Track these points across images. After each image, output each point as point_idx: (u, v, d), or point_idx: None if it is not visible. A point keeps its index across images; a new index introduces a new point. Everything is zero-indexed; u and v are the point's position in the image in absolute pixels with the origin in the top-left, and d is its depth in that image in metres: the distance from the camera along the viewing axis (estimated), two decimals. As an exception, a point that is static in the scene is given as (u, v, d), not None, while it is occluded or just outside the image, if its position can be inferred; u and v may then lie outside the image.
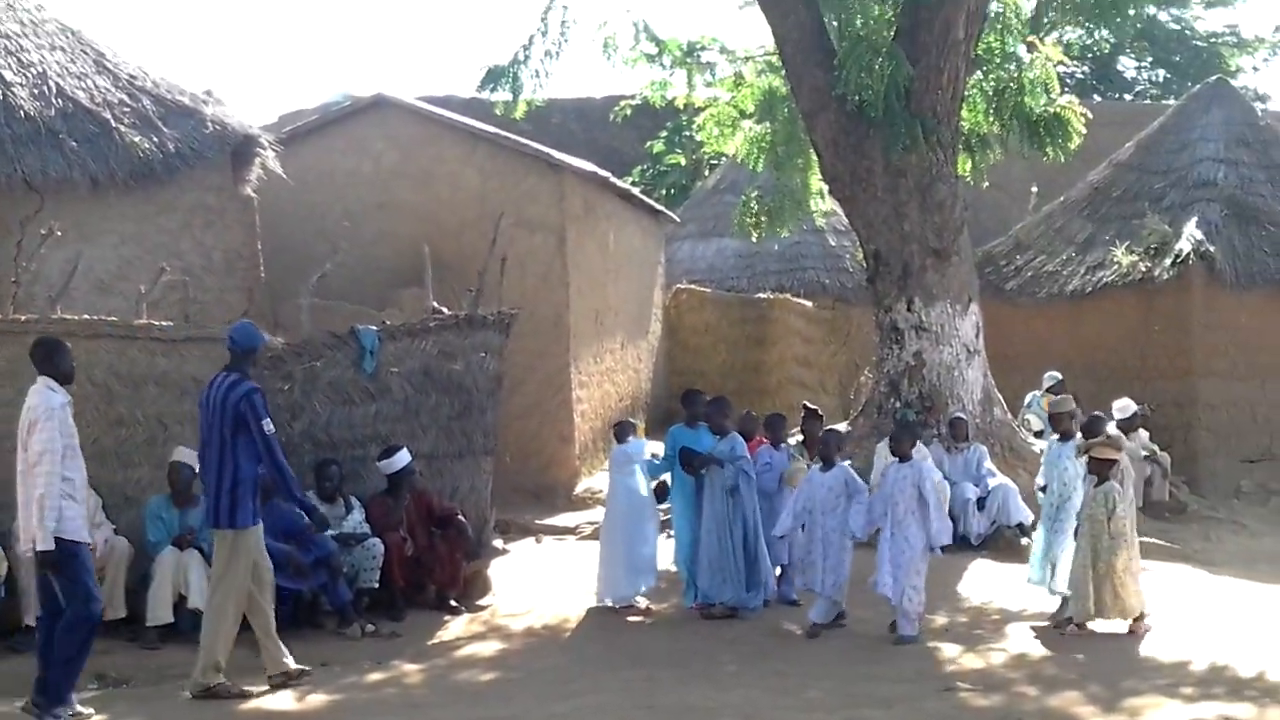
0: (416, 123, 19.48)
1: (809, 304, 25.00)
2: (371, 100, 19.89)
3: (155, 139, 15.16)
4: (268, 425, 9.35)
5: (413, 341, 12.87)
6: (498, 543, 14.65)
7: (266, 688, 9.42)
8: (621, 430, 12.97)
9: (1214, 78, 24.74)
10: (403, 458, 12.04)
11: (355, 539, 11.78)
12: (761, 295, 25.01)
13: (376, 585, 11.89)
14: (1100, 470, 11.07)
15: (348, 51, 77.57)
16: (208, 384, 9.60)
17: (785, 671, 10.04)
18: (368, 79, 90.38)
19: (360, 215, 18.65)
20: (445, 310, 13.48)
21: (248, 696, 9.24)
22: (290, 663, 9.58)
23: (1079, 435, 11.81)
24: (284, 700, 9.35)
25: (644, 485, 12.50)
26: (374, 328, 12.61)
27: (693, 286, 25.41)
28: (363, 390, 12.46)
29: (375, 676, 10.17)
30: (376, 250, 18.40)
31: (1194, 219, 19.77)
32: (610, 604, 12.34)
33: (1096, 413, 15.32)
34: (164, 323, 12.18)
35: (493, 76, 17.08)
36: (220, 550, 9.43)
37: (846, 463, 11.76)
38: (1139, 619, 11.14)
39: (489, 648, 11.25)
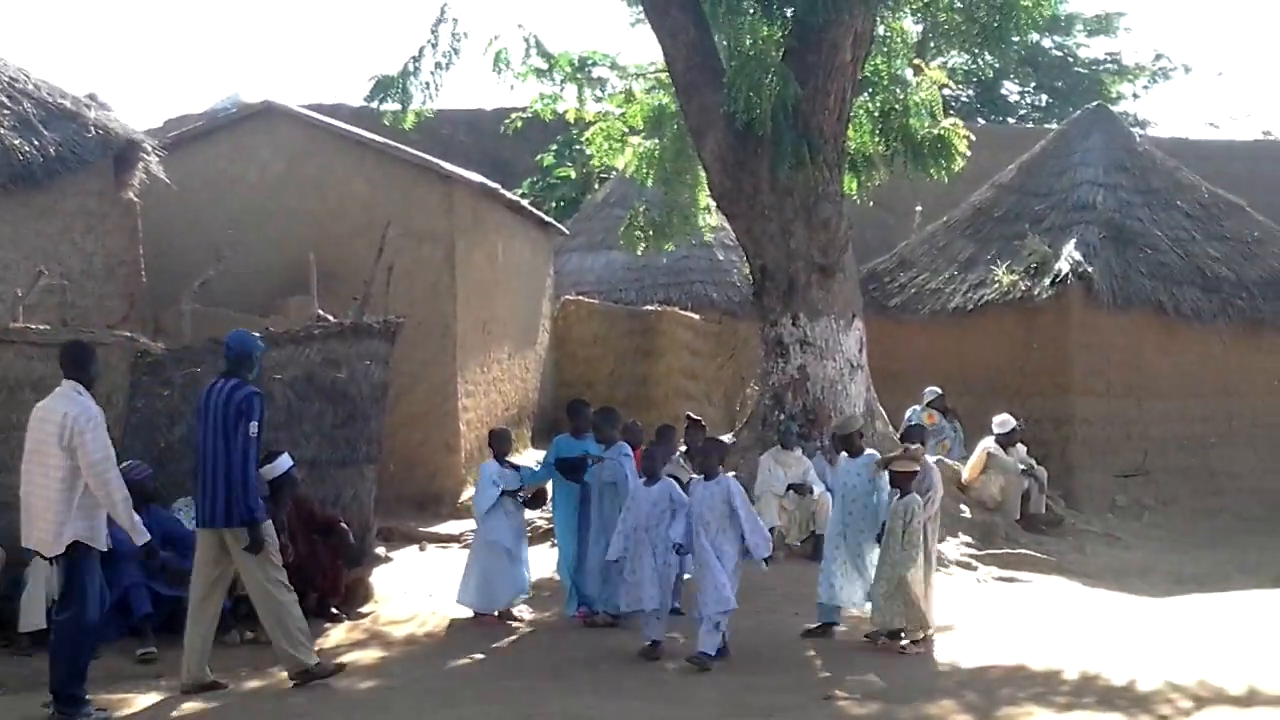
0: (304, 131, 19.36)
1: (696, 317, 25.17)
2: (259, 107, 19.75)
3: (36, 142, 14.94)
4: (254, 428, 9.60)
5: (296, 348, 12.79)
6: (380, 550, 14.60)
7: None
8: (499, 441, 12.95)
9: (1094, 104, 25.28)
10: (284, 463, 11.78)
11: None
12: (649, 308, 25.14)
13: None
14: (901, 483, 11.18)
15: (238, 58, 76.76)
16: (206, 390, 9.86)
17: (666, 680, 10.11)
18: (258, 86, 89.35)
19: (246, 222, 18.49)
20: (330, 318, 13.42)
21: (343, 669, 10.02)
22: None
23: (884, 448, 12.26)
24: (159, 709, 9.28)
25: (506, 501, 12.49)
26: (257, 334, 12.47)
27: (581, 298, 25.48)
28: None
29: (253, 684, 10.10)
30: (262, 258, 18.24)
31: (1073, 240, 20.12)
32: (483, 612, 12.34)
33: (913, 422, 15.66)
34: (41, 327, 11.98)
35: (381, 87, 16.98)
36: (236, 548, 9.63)
37: (730, 474, 11.58)
38: (915, 640, 11.10)
39: (369, 655, 11.22)
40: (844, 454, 12.18)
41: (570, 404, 13.69)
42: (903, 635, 11.05)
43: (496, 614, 12.35)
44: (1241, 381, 20.35)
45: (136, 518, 9.00)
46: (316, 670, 9.75)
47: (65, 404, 8.82)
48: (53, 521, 8.73)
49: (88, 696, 8.92)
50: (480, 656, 11.17)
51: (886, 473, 11.43)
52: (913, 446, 11.86)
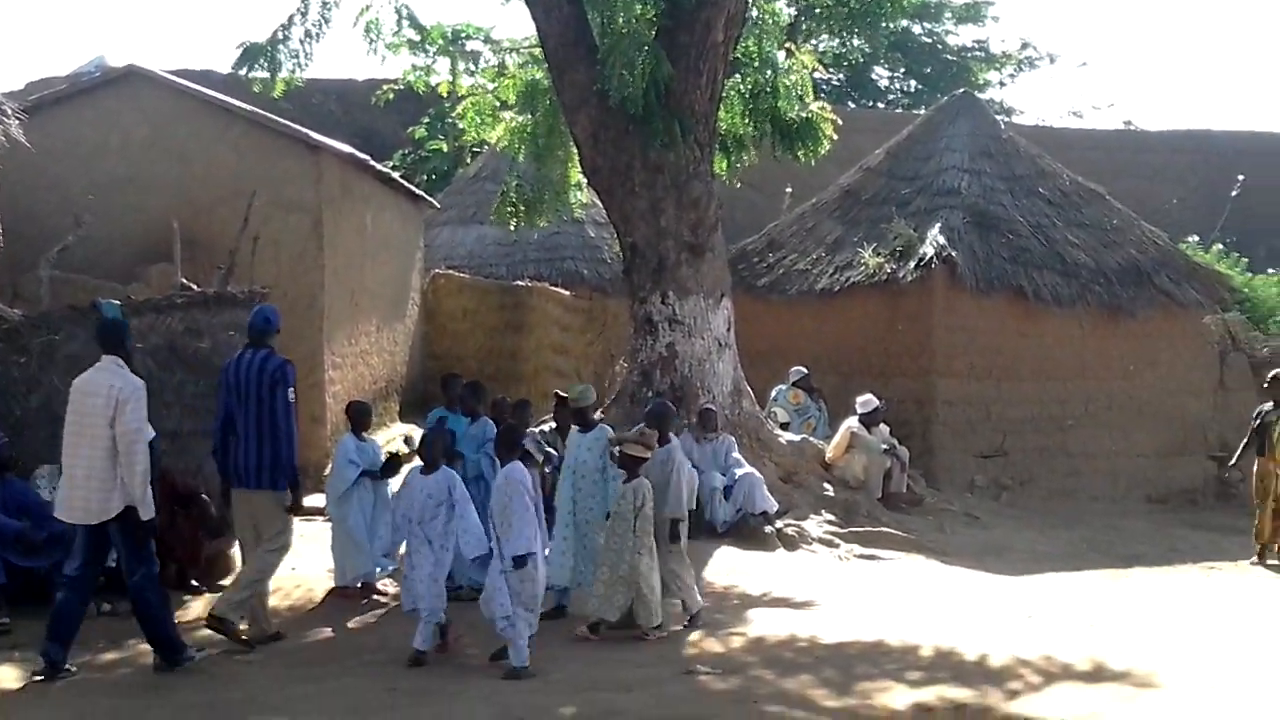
0: (170, 97, 18.96)
1: (567, 293, 25.20)
2: (123, 71, 19.30)
3: (-112, 103, 14.51)
4: (291, 395, 10.27)
5: (158, 317, 12.63)
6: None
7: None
8: (359, 415, 12.81)
9: (960, 90, 25.50)
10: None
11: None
12: (520, 283, 25.10)
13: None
14: (630, 467, 10.58)
15: (105, 21, 75.00)
16: (234, 361, 10.46)
17: (530, 655, 10.14)
18: (125, 50, 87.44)
19: (108, 188, 18.08)
20: (194, 287, 13.24)
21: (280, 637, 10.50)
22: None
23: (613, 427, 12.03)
24: (13, 680, 9.12)
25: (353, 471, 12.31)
26: (117, 302, 12.25)
27: (451, 272, 25.36)
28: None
29: (111, 656, 9.97)
30: (124, 225, 17.86)
31: (938, 225, 20.28)
32: (351, 584, 12.25)
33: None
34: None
35: (250, 55, 16.67)
36: (263, 510, 10.32)
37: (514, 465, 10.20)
38: (656, 628, 10.62)
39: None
40: (575, 428, 11.75)
41: (444, 377, 13.68)
42: (643, 628, 10.53)
43: (360, 586, 12.26)
44: (1098, 365, 20.75)
45: (149, 493, 9.25)
46: (271, 637, 10.41)
47: (110, 377, 9.22)
48: (98, 490, 9.07)
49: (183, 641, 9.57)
50: (343, 630, 11.11)
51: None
52: (649, 431, 11.30)
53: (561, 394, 14.99)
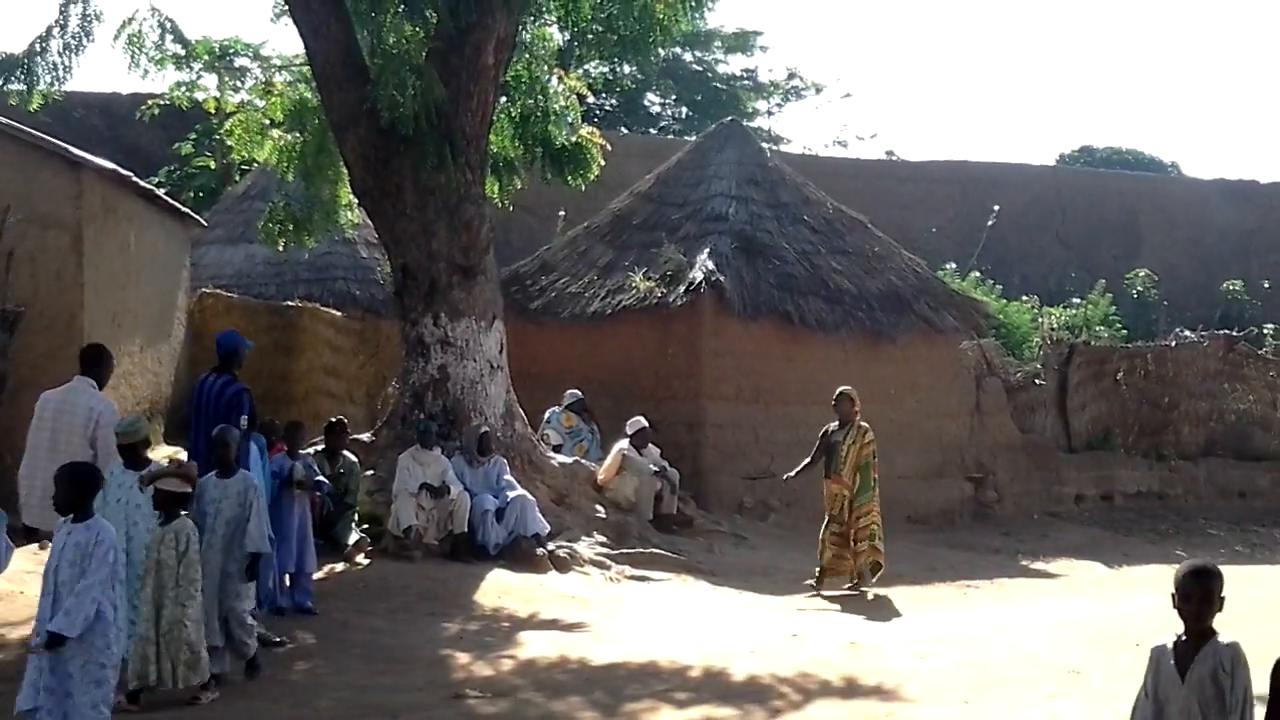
0: (-82, 107, 18.20)
1: (338, 314, 24.83)
2: None
3: None
4: (244, 422, 10.87)
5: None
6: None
7: None
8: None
9: (728, 118, 25.82)
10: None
11: None
12: (290, 304, 24.68)
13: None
14: (167, 506, 9.12)
15: None
16: (199, 384, 11.35)
17: (296, 681, 10.01)
18: None
19: None
20: (-56, 306, 12.73)
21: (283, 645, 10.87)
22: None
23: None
24: None
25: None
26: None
27: (219, 292, 24.79)
28: None
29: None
30: None
31: (706, 250, 20.50)
32: None
33: (551, 424, 15.84)
34: None
35: (5, 67, 16.14)
36: None
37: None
38: (205, 687, 9.20)
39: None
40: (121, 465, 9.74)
41: None
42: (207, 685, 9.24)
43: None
44: (860, 389, 21.09)
45: None
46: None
47: (86, 398, 10.08)
48: None
49: None
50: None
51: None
52: (188, 462, 10.49)
53: (334, 421, 14.87)
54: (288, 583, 12.32)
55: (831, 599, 14.99)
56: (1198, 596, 5.49)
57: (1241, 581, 17.19)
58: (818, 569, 15.64)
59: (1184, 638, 5.55)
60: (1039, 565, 18.57)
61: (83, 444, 9.85)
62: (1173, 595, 5.55)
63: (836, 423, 15.86)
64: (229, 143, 20.05)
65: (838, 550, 15.52)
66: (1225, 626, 5.52)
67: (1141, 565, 18.92)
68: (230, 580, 9.78)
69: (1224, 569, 5.69)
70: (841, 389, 15.96)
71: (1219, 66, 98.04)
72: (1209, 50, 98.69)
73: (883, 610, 14.52)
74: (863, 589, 15.37)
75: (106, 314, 18.51)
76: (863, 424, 15.75)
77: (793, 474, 16.83)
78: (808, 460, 16.27)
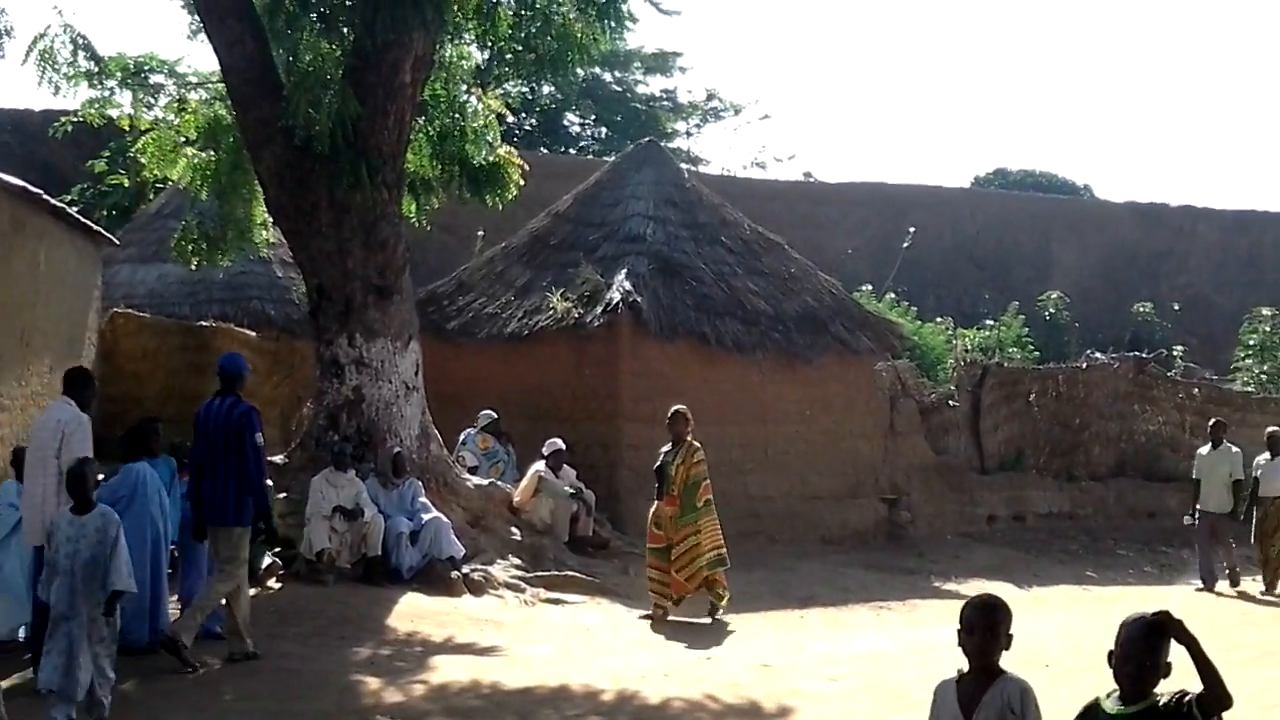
0: None
1: (253, 334, 24.60)
2: None
3: None
4: (260, 439, 11.27)
5: None
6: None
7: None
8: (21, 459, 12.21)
9: (646, 139, 25.85)
10: None
11: None
12: (204, 323, 24.43)
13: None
14: None
15: None
16: (204, 408, 11.57)
17: (203, 707, 9.88)
18: None
19: None
20: None
21: (257, 658, 11.20)
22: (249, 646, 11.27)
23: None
24: None
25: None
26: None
27: (131, 311, 24.50)
28: None
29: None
30: None
31: (624, 271, 20.51)
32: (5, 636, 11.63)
33: (396, 450, 15.71)
34: None
35: (-88, 82, 15.88)
36: (226, 542, 11.24)
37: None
38: None
39: None
40: None
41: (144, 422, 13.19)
42: None
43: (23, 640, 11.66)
44: (776, 410, 21.29)
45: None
46: (250, 655, 11.18)
47: (58, 412, 10.42)
48: (49, 515, 9.76)
49: None
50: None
51: None
52: None
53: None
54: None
55: (719, 627, 14.76)
56: (981, 629, 5.19)
57: (1137, 604, 17.47)
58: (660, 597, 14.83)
59: (967, 674, 5.23)
60: (951, 586, 18.71)
61: (53, 458, 10.13)
62: (958, 630, 5.25)
63: (670, 444, 15.13)
64: (142, 160, 19.78)
65: (662, 574, 14.81)
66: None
67: (1052, 586, 19.14)
68: (96, 625, 9.03)
69: (1131, 590, 5.68)
70: (675, 408, 15.23)
71: (1131, 90, 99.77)
72: (1121, 75, 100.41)
73: (797, 632, 14.57)
74: (715, 616, 14.88)
75: (15, 333, 18.21)
76: (694, 443, 15.00)
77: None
78: (657, 485, 15.55)
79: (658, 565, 14.87)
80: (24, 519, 10.51)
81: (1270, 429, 19.47)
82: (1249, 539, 18.37)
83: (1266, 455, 18.60)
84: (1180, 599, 17.75)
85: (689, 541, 14.73)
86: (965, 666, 5.22)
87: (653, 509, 15.19)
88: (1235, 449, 18.68)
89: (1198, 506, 18.59)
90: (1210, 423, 19.63)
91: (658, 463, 15.23)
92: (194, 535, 11.70)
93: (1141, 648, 4.95)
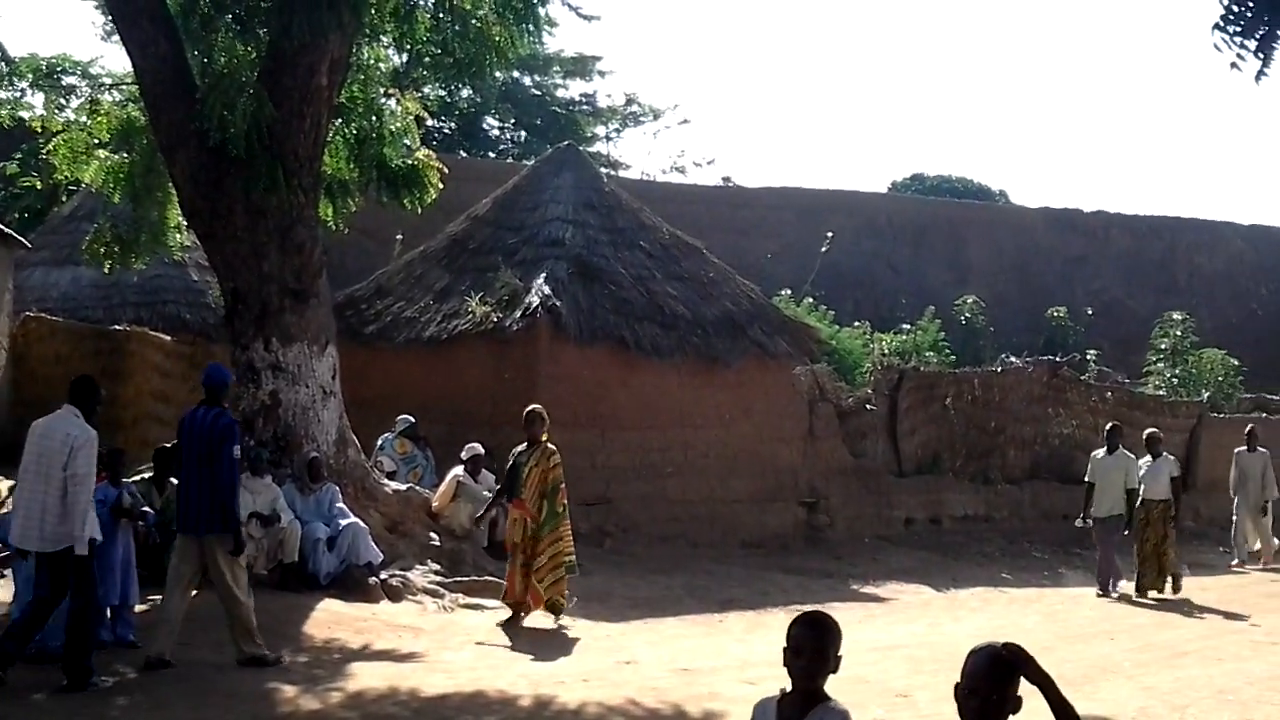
0: None
1: (168, 338, 24.35)
2: None
3: None
4: (236, 452, 11.69)
5: None
6: None
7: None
8: None
9: (565, 143, 25.82)
10: None
11: None
12: (118, 327, 24.14)
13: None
14: None
15: None
16: (188, 416, 11.88)
17: (115, 717, 9.76)
18: None
19: None
20: None
21: (280, 663, 11.57)
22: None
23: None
24: None
25: None
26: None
27: (44, 315, 24.18)
28: None
29: None
30: None
31: (543, 275, 20.44)
32: None
33: (313, 454, 15.63)
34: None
35: None
36: (213, 549, 11.48)
37: None
38: None
39: None
40: None
41: None
42: None
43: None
44: (696, 414, 21.33)
45: (84, 529, 10.47)
46: (268, 659, 11.51)
47: (67, 425, 10.60)
48: (51, 523, 10.38)
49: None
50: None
51: None
52: None
53: (165, 446, 14.52)
54: (109, 616, 12.01)
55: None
56: (810, 651, 4.77)
57: (1052, 606, 17.70)
58: (509, 603, 14.63)
59: (790, 694, 4.83)
60: (869, 589, 18.85)
61: (59, 469, 10.40)
62: (784, 649, 4.82)
63: (525, 444, 14.75)
64: (54, 162, 19.54)
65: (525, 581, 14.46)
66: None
67: (968, 588, 19.33)
68: None
69: (1046, 591, 5.61)
70: (531, 407, 14.90)
71: (1045, 97, 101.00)
72: (1035, 81, 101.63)
73: (716, 635, 14.61)
74: (560, 624, 14.61)
75: (-78, 337, 17.95)
76: (550, 445, 14.66)
77: (480, 514, 16.77)
78: (500, 486, 15.56)
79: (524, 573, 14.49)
80: (17, 525, 10.66)
81: (1148, 430, 19.85)
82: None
83: (1148, 458, 18.93)
84: (1092, 602, 18.03)
85: (554, 549, 14.45)
86: (789, 686, 4.84)
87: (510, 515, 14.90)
88: (1131, 455, 18.92)
89: (1091, 511, 18.88)
90: (1107, 427, 19.92)
91: (510, 463, 14.90)
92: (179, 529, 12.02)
93: (988, 681, 4.51)
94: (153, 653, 11.22)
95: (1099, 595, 18.32)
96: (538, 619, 14.56)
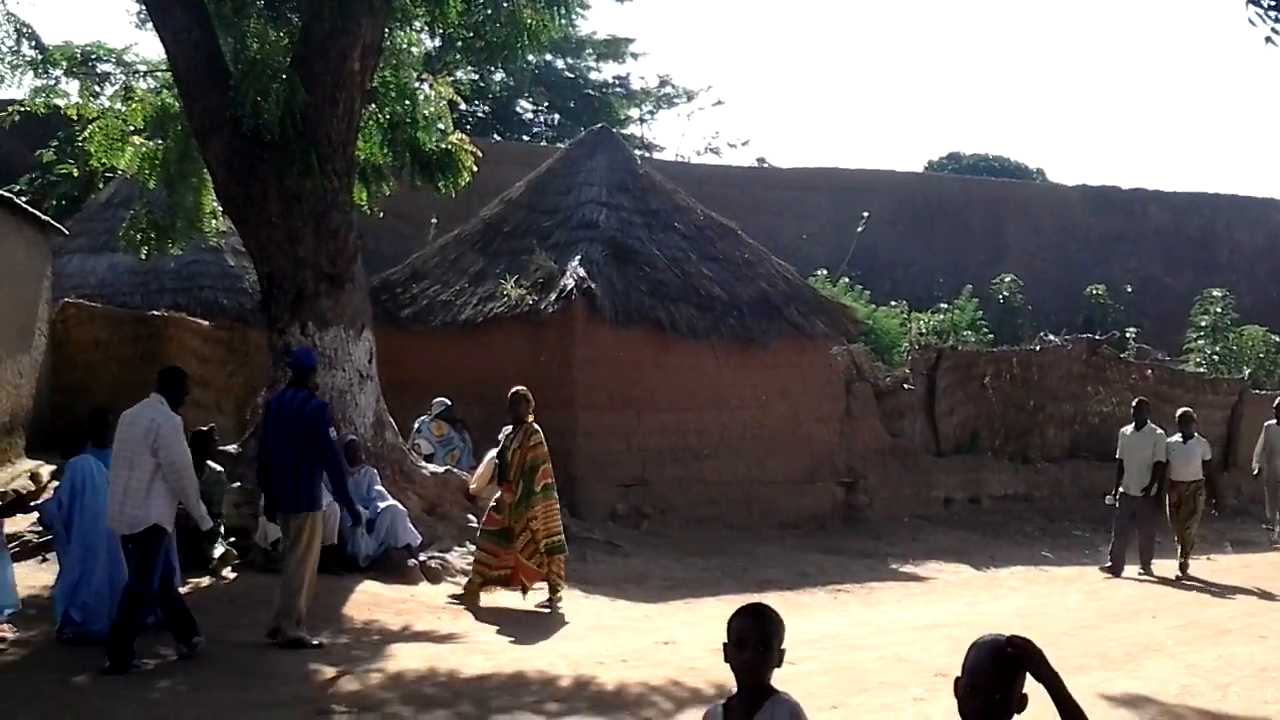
0: None
1: (206, 323, 24.47)
2: None
3: None
4: (333, 433, 12.16)
5: None
6: None
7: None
8: None
9: (598, 125, 25.74)
10: None
11: None
12: (156, 313, 24.27)
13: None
14: None
15: None
16: (275, 399, 12.36)
17: (156, 699, 9.81)
18: None
19: None
20: None
21: (322, 648, 11.60)
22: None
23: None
24: None
25: None
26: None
27: (82, 301, 24.33)
28: None
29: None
30: None
31: (578, 257, 20.40)
32: None
33: (422, 433, 15.63)
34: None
35: None
36: (297, 528, 11.81)
37: None
38: None
39: None
40: None
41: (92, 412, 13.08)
42: None
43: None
44: (732, 395, 21.27)
45: (202, 505, 11.35)
46: (308, 644, 11.58)
47: (151, 412, 10.94)
48: (133, 506, 10.75)
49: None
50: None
51: None
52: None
53: (203, 429, 14.60)
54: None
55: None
56: (754, 644, 4.59)
57: (1093, 585, 17.59)
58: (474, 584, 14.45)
59: (735, 696, 4.68)
60: (908, 568, 18.79)
61: (144, 454, 10.73)
62: (725, 645, 4.65)
63: (510, 426, 14.66)
64: (89, 150, 19.62)
65: (490, 556, 14.46)
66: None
67: (1008, 567, 19.25)
68: None
69: (1087, 570, 5.47)
70: (515, 389, 14.77)
71: (1083, 75, 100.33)
72: (1073, 59, 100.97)
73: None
74: (555, 604, 14.55)
75: (-38, 325, 18.07)
76: (534, 425, 14.51)
77: (472, 486, 16.99)
78: (490, 467, 15.54)
79: (489, 548, 14.49)
80: (112, 509, 10.97)
81: (1181, 409, 19.70)
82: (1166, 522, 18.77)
83: (1178, 437, 18.79)
84: (1133, 580, 17.92)
85: (531, 529, 14.33)
86: (735, 689, 4.67)
87: (497, 494, 14.86)
88: (1160, 430, 18.82)
89: (1120, 488, 18.77)
90: (1134, 402, 19.79)
91: (498, 447, 14.87)
92: (265, 515, 12.73)
93: (990, 678, 4.22)
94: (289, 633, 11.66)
95: (1103, 571, 18.20)
96: (506, 596, 14.55)
